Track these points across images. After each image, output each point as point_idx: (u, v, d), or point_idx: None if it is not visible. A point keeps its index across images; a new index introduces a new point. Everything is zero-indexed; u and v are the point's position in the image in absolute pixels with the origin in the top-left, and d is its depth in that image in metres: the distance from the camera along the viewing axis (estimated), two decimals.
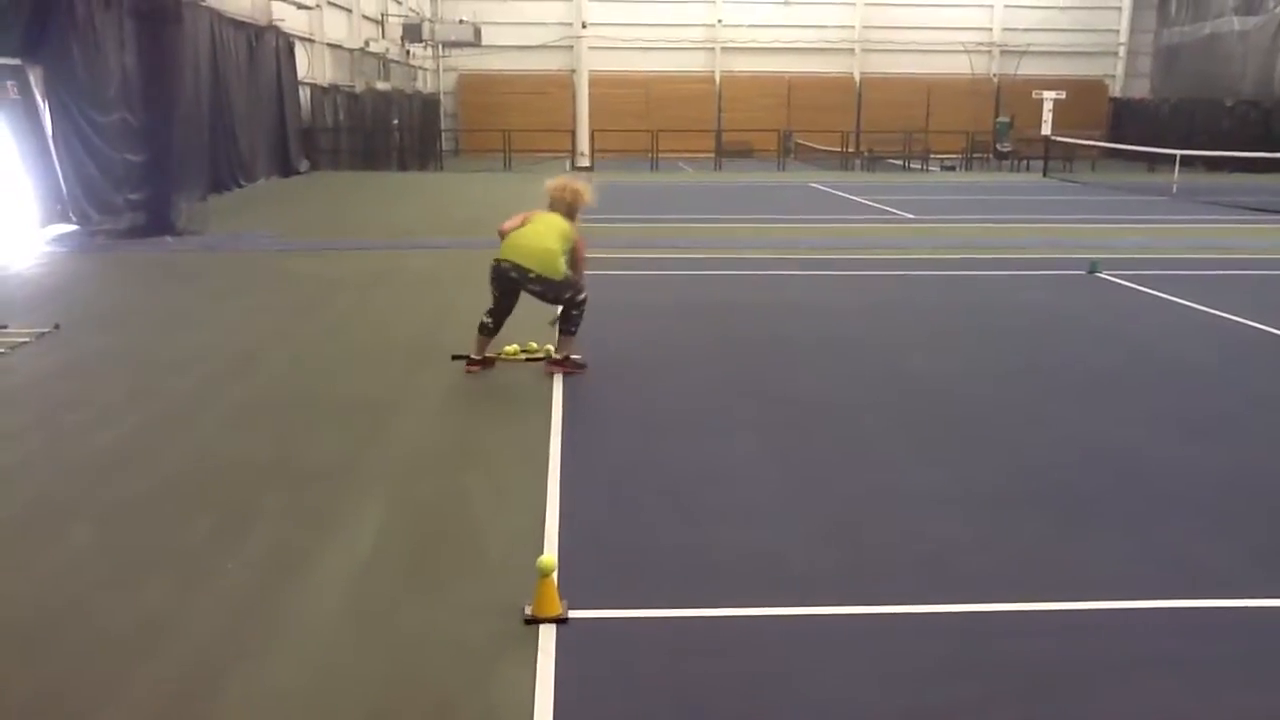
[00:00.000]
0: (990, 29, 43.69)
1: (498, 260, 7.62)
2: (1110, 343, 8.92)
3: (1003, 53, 43.64)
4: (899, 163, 35.52)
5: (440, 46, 39.79)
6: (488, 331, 7.75)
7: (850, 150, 36.69)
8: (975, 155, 36.69)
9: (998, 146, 36.84)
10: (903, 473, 5.71)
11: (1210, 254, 14.33)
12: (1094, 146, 31.20)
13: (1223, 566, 4.55)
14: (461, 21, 38.00)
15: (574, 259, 7.69)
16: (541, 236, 7.57)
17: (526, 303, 7.77)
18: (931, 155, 36.55)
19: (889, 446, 6.16)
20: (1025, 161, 34.01)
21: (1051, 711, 3.48)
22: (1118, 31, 44.15)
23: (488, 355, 7.82)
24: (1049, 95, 35.48)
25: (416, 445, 6.11)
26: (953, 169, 34.35)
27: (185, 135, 16.55)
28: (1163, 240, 15.88)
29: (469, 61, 41.51)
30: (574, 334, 7.76)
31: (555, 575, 4.05)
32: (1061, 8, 43.58)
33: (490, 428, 6.48)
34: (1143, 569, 4.52)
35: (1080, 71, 43.23)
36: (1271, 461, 5.94)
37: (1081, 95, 40.71)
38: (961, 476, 5.65)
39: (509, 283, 7.59)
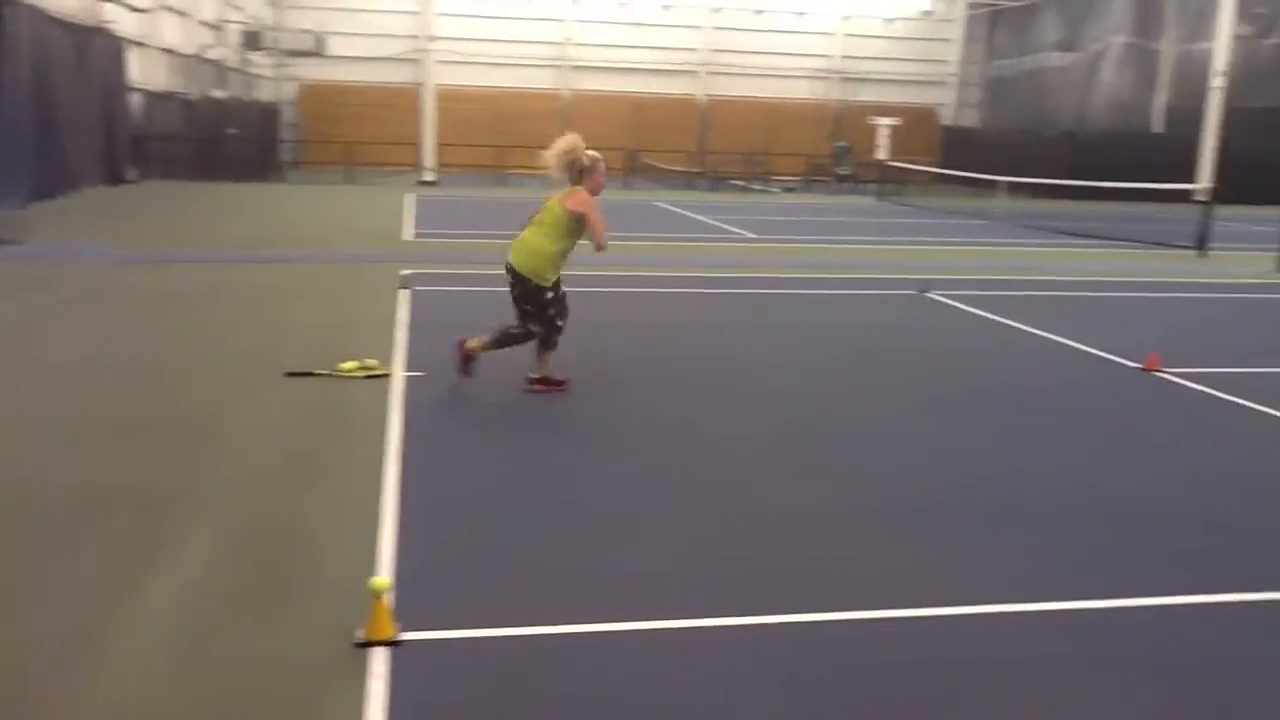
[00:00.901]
0: (830, 56, 45.06)
1: (508, 261, 7.44)
2: (942, 360, 9.27)
3: (843, 80, 45.05)
4: (742, 183, 36.26)
5: (281, 55, 38.78)
6: (520, 339, 7.55)
7: (695, 170, 37.28)
8: (815, 178, 37.76)
9: (837, 170, 37.98)
10: (751, 488, 5.80)
11: (1031, 275, 15.07)
12: (926, 172, 32.50)
13: (1057, 571, 4.77)
14: (304, 31, 37.14)
15: (588, 229, 7.24)
16: (535, 236, 7.32)
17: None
18: (773, 177, 37.44)
19: (734, 461, 6.25)
20: (862, 185, 35.15)
21: (912, 716, 3.59)
22: (950, 63, 46.10)
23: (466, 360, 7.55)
24: (884, 122, 36.81)
25: (251, 464, 5.91)
26: (793, 190, 35.25)
27: (3, 140, 15.66)
28: (989, 263, 16.63)
29: (312, 71, 40.57)
30: (551, 348, 7.48)
31: (389, 596, 3.97)
32: (898, 38, 45.26)
33: (327, 445, 6.32)
34: (989, 575, 4.71)
35: (915, 99, 44.95)
36: (1093, 468, 6.27)
37: (916, 122, 42.33)
38: (821, 493, 5.77)
39: (513, 292, 7.38)
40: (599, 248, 7.30)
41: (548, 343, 7.48)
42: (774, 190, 34.96)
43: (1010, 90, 44.35)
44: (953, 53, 46.02)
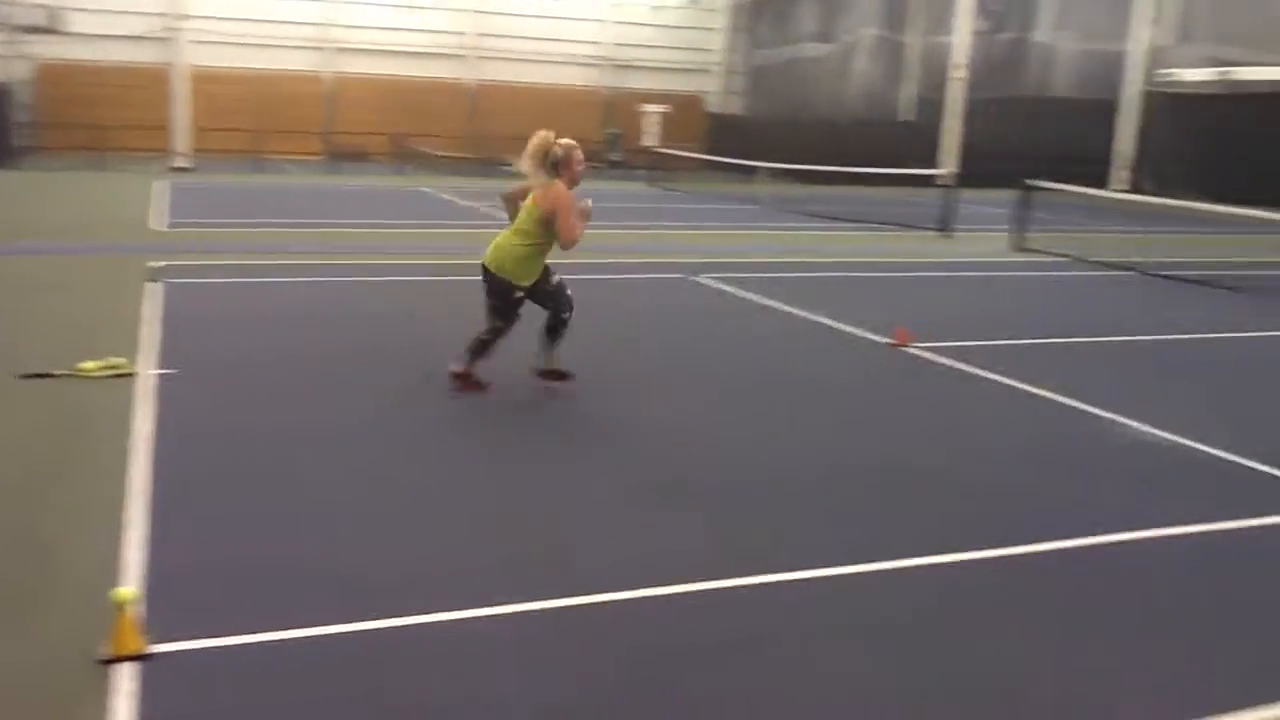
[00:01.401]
0: (601, 43, 45.40)
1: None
2: (707, 341, 9.52)
3: (613, 67, 45.50)
4: (512, 170, 36.11)
5: (11, 31, 35.86)
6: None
7: (466, 156, 36.86)
8: (588, 164, 38.02)
9: (608, 156, 38.36)
10: (523, 477, 5.79)
11: (793, 258, 15.67)
12: (694, 158, 33.26)
13: (811, 542, 4.97)
14: (37, 5, 34.45)
15: (556, 226, 6.95)
16: (508, 235, 7.14)
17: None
18: None
19: (503, 450, 6.23)
20: (633, 171, 35.63)
21: (689, 690, 3.66)
22: (714, 51, 47.27)
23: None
24: (653, 109, 37.40)
25: None
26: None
27: None
28: (753, 246, 17.18)
29: (49, 49, 37.71)
30: (483, 352, 7.27)
31: (134, 608, 3.76)
32: (665, 26, 46.02)
33: (68, 451, 5.91)
34: (743, 549, 4.86)
35: (682, 87, 45.85)
36: (843, 439, 6.58)
37: (683, 110, 43.23)
38: (579, 476, 5.81)
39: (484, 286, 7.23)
40: (565, 245, 7.07)
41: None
42: None
43: (772, 79, 45.89)
44: (717, 41, 47.19)
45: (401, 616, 4.07)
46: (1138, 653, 4.11)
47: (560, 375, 7.45)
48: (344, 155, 36.85)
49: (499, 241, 7.18)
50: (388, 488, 5.53)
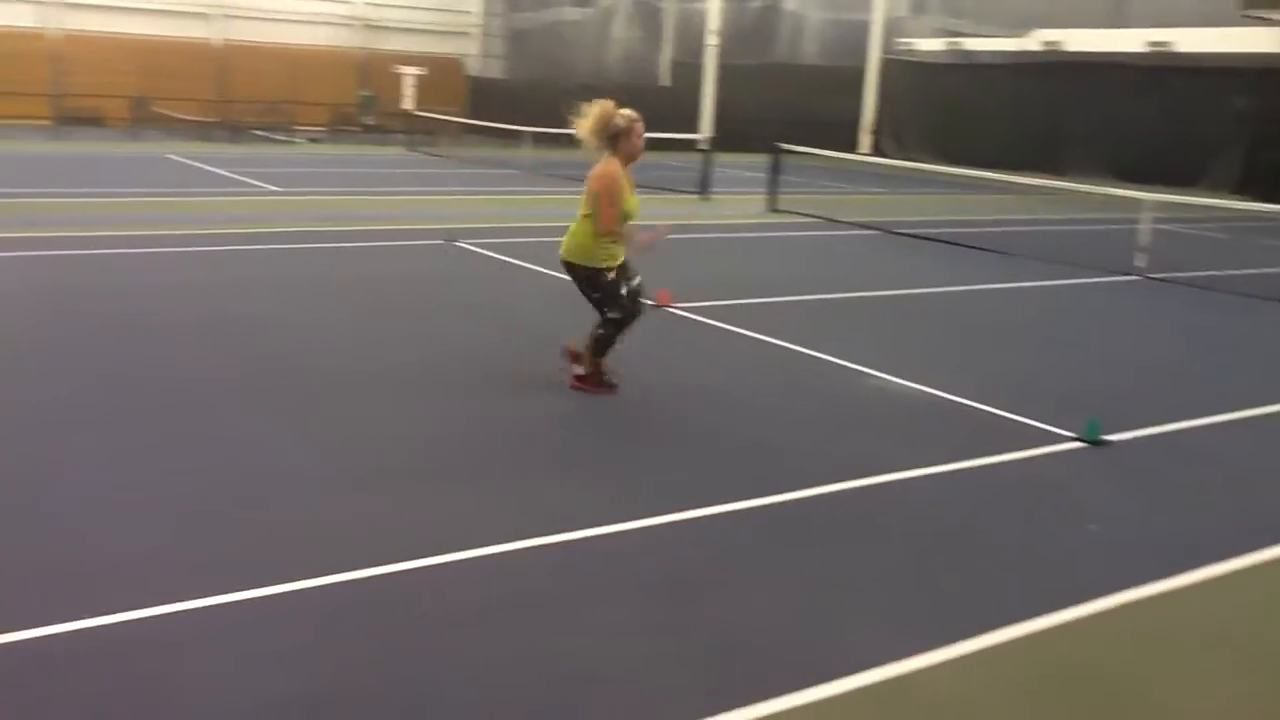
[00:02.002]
0: (353, 3, 43.84)
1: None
2: (469, 308, 9.35)
3: (366, 27, 44.04)
4: (264, 134, 34.51)
5: None
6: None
7: (212, 120, 34.91)
8: (342, 128, 36.73)
9: (363, 120, 37.18)
10: (267, 454, 5.52)
11: (555, 222, 15.55)
12: (455, 122, 32.67)
13: (578, 503, 4.94)
14: None
15: (596, 207, 6.37)
16: (577, 219, 6.61)
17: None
18: (297, 127, 35.95)
19: (254, 428, 5.92)
20: (391, 135, 34.68)
21: (429, 665, 3.53)
22: (472, 14, 46.48)
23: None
24: (409, 71, 36.45)
25: None
26: (319, 141, 34.10)
27: None
28: (515, 210, 17.03)
29: None
30: (604, 349, 6.65)
31: None
32: None
33: None
34: (510, 515, 4.77)
35: (439, 50, 44.92)
36: (618, 402, 6.58)
37: (441, 73, 42.31)
38: (328, 453, 5.58)
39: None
40: (598, 231, 6.49)
41: (601, 339, 6.71)
42: (299, 141, 33.59)
43: (531, 43, 45.60)
44: (475, 4, 46.43)
45: (160, 605, 3.80)
46: (881, 590, 4.29)
47: (576, 357, 6.82)
48: (75, 120, 34.19)
49: (571, 229, 6.69)
50: (151, 463, 5.14)
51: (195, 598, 3.88)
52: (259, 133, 34.48)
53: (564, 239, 6.69)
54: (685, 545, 4.64)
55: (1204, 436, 6.57)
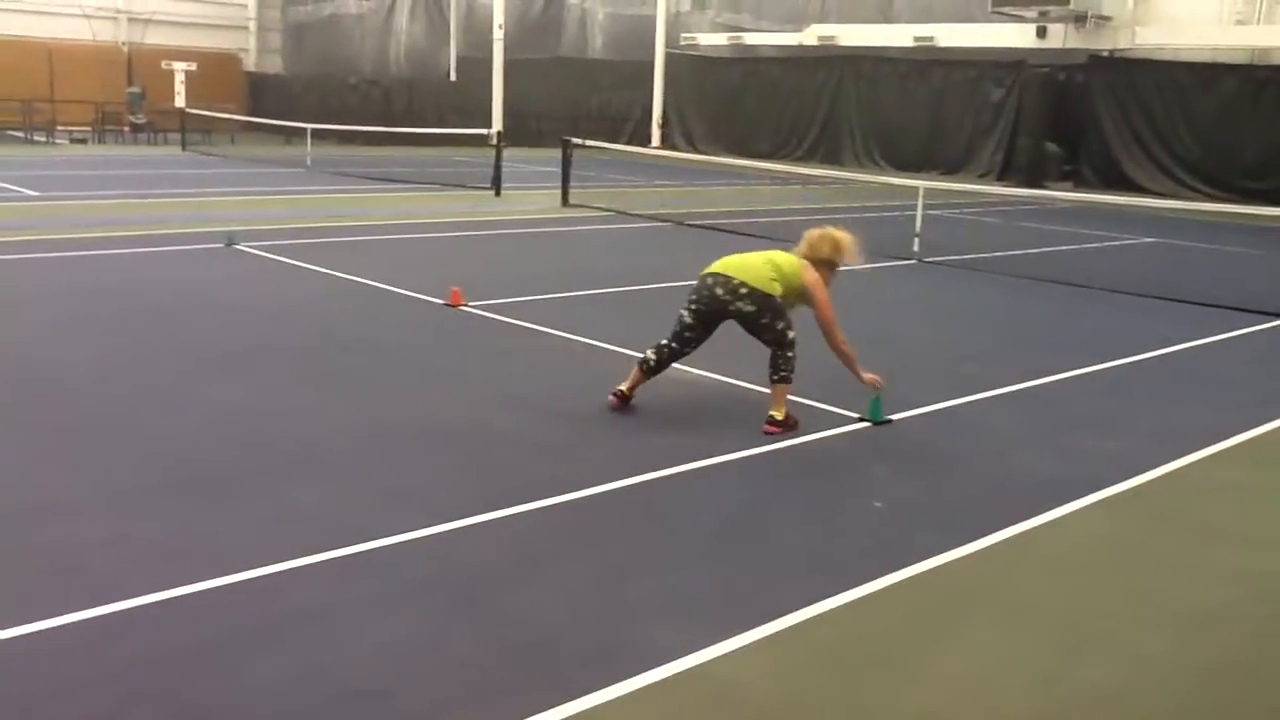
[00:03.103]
0: None
1: (704, 273, 6.38)
2: (248, 314, 8.96)
3: (130, 20, 41.65)
4: (21, 135, 32.20)
5: None
6: (648, 369, 6.47)
7: None
8: (108, 128, 34.63)
9: (131, 118, 35.17)
10: (20, 479, 5.11)
11: (342, 221, 15.18)
12: (231, 120, 31.31)
13: (357, 514, 4.78)
14: None
15: (805, 296, 6.29)
16: (755, 258, 6.37)
17: None
18: (58, 127, 33.70)
19: (10, 456, 5.47)
20: (163, 134, 32.95)
21: (200, 694, 3.34)
22: (247, 7, 44.65)
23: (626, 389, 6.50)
24: (180, 66, 34.69)
25: None
26: (84, 142, 32.07)
27: None
28: (298, 210, 16.45)
29: None
30: (789, 381, 6.25)
31: None
32: None
33: None
34: (284, 530, 4.57)
35: (213, 44, 42.93)
36: (396, 405, 6.42)
37: (215, 68, 40.44)
38: (91, 474, 5.22)
39: (710, 307, 6.29)
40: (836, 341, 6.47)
41: (785, 372, 6.36)
42: (60, 142, 31.51)
43: (311, 37, 44.18)
44: None
45: None
46: (672, 582, 4.33)
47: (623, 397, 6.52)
48: None
49: (756, 263, 6.33)
50: None
51: None
52: (15, 133, 32.16)
53: (738, 264, 6.36)
54: (473, 550, 4.55)
55: (979, 410, 6.95)
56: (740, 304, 6.23)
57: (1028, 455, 6.14)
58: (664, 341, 6.48)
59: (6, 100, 34.40)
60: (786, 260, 6.42)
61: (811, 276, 6.39)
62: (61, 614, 3.78)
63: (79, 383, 6.79)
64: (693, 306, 6.38)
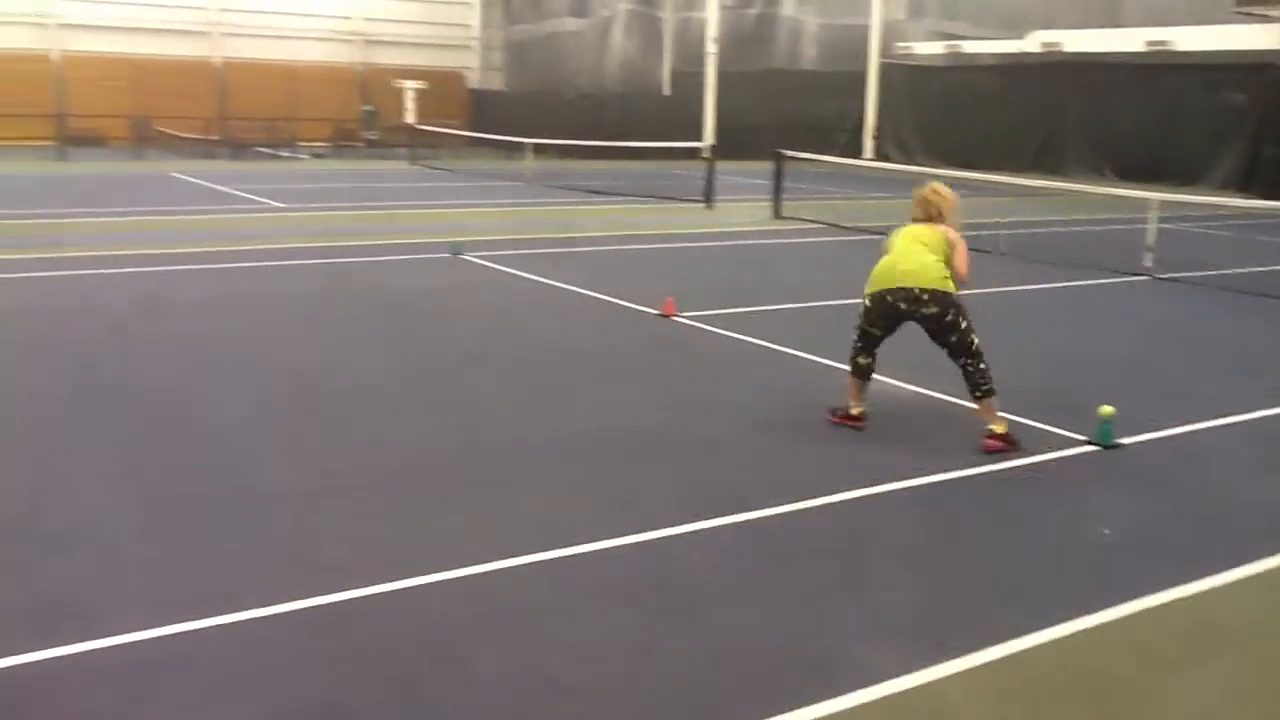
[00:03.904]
0: (350, 18, 43.98)
1: (880, 292, 6.31)
2: (471, 320, 9.37)
3: (365, 42, 44.17)
4: (268, 151, 34.60)
5: None
6: (864, 373, 6.49)
7: (214, 138, 35.00)
8: (344, 143, 36.81)
9: (365, 134, 37.25)
10: (255, 467, 5.51)
11: (560, 233, 15.65)
12: (456, 135, 32.73)
13: (572, 517, 4.93)
14: None
15: (952, 258, 6.30)
16: (910, 252, 6.32)
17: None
18: (300, 143, 36.05)
19: (229, 443, 5.92)
20: (393, 149, 34.76)
21: (434, 681, 3.54)
22: (471, 27, 46.61)
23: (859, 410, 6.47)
24: (410, 85, 36.54)
25: None
26: (322, 157, 34.18)
27: None
28: (519, 222, 17.07)
29: None
30: (994, 392, 6.14)
31: None
32: (418, 1, 45.03)
33: None
34: (501, 530, 4.77)
35: (439, 63, 45.02)
36: (615, 412, 6.58)
37: (442, 86, 42.42)
38: (318, 467, 5.58)
39: (897, 321, 6.34)
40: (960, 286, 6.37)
41: (984, 383, 6.23)
42: (302, 156, 33.69)
43: (531, 54, 45.70)
44: (473, 17, 46.56)
45: (113, 636, 3.79)
46: (890, 602, 4.28)
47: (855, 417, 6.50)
48: (77, 140, 34.29)
49: (919, 260, 6.28)
50: (119, 490, 5.15)
51: (185, 620, 3.89)
52: (262, 149, 34.55)
53: (904, 272, 6.26)
54: (684, 558, 4.61)
55: (1217, 437, 6.56)
56: (924, 309, 6.19)
57: (1271, 487, 5.76)
58: (859, 347, 6.49)
59: (254, 118, 37.04)
60: (934, 240, 6.37)
61: (954, 236, 6.45)
62: (294, 599, 4.05)
63: (312, 378, 7.27)
64: (877, 323, 6.39)
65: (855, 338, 6.52)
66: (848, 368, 6.56)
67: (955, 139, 31.67)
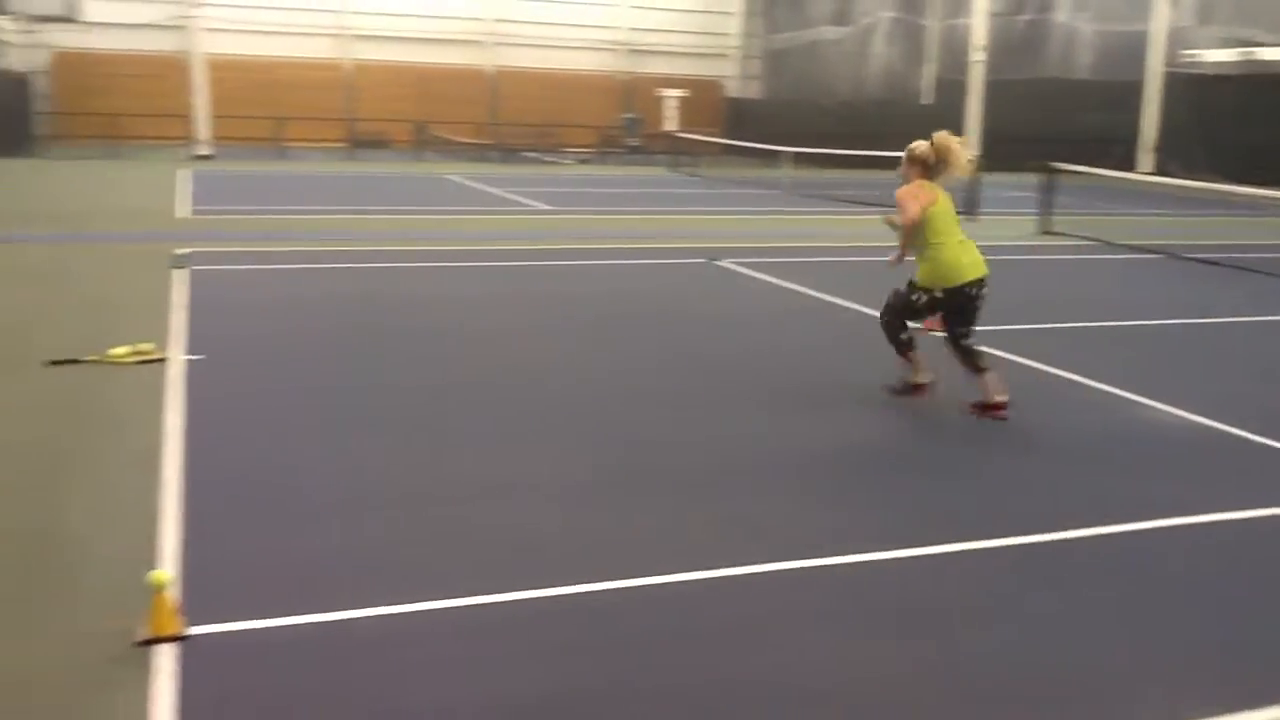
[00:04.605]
0: (616, 28, 45.27)
1: (960, 286, 6.58)
2: (725, 326, 9.46)
3: (629, 52, 45.36)
4: (534, 155, 36.07)
5: (29, 21, 35.92)
6: (911, 345, 6.94)
7: (486, 143, 36.81)
8: (607, 150, 37.92)
9: (627, 141, 38.25)
10: (488, 460, 5.75)
11: (816, 242, 15.58)
12: (714, 143, 33.13)
13: (805, 528, 4.92)
14: None
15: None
16: (963, 234, 6.74)
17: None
18: (565, 149, 37.39)
19: (509, 438, 6.19)
20: (653, 156, 35.53)
21: (684, 679, 3.62)
22: (731, 35, 47.06)
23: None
24: (672, 93, 37.23)
25: (5, 467, 5.45)
26: (586, 162, 35.33)
27: None
28: (775, 230, 17.10)
29: (66, 39, 37.81)
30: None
31: (171, 590, 3.74)
32: (681, 11, 45.85)
33: (96, 437, 5.90)
34: (728, 536, 4.81)
35: (700, 71, 45.68)
36: (876, 427, 6.51)
37: (701, 94, 43.07)
38: (550, 462, 5.77)
39: (961, 305, 6.65)
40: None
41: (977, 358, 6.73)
42: (567, 162, 34.93)
43: (790, 63, 45.65)
44: (734, 26, 46.98)
45: (418, 603, 4.05)
46: (1163, 643, 4.04)
47: (988, 407, 6.69)
48: (365, 143, 36.86)
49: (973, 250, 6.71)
50: (420, 471, 5.50)
51: (435, 600, 4.11)
52: (529, 154, 36.06)
53: (976, 257, 6.66)
54: (924, 579, 4.49)
55: None
56: (982, 292, 6.60)
57: None
58: (903, 322, 6.79)
59: (523, 124, 38.73)
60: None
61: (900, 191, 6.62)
62: (515, 590, 4.18)
63: (555, 376, 7.52)
64: (941, 310, 6.66)
65: (896, 319, 6.79)
66: (895, 350, 6.89)
67: (1249, 153, 29.39)
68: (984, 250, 6.83)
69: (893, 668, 3.73)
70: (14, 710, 3.31)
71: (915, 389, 6.93)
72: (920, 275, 6.78)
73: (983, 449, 6.20)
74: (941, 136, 6.69)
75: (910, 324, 6.90)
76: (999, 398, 6.55)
